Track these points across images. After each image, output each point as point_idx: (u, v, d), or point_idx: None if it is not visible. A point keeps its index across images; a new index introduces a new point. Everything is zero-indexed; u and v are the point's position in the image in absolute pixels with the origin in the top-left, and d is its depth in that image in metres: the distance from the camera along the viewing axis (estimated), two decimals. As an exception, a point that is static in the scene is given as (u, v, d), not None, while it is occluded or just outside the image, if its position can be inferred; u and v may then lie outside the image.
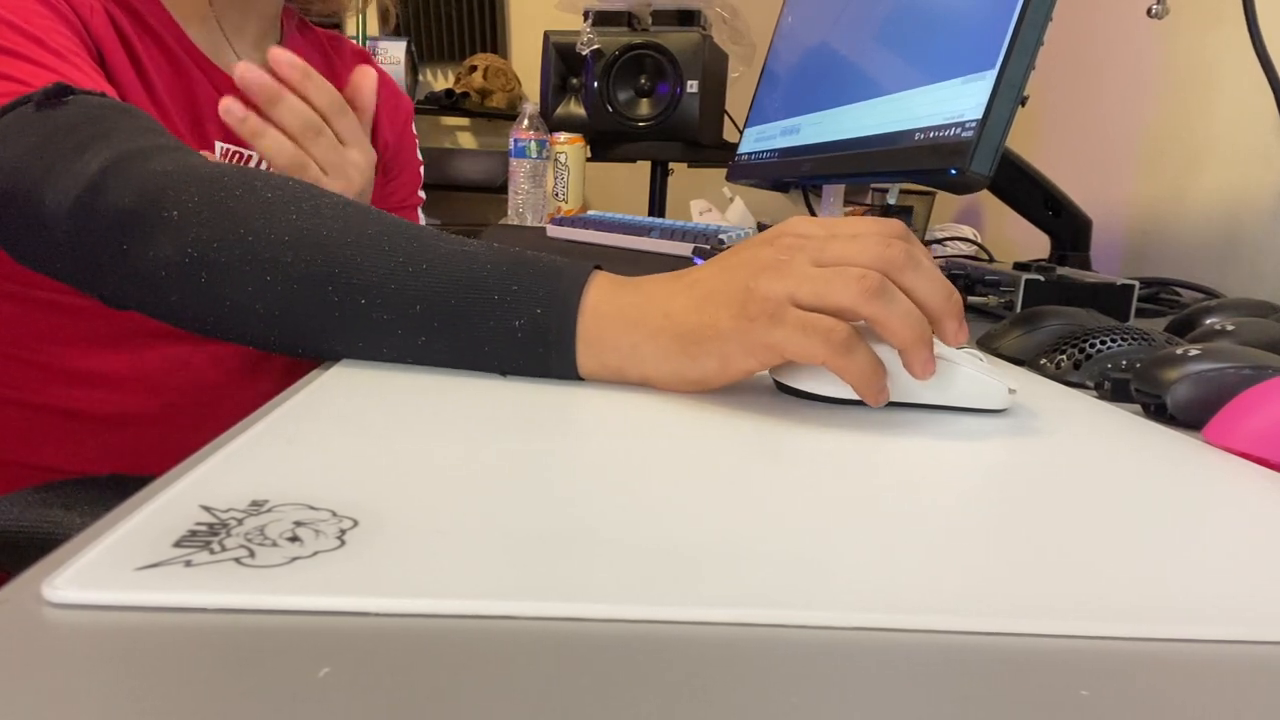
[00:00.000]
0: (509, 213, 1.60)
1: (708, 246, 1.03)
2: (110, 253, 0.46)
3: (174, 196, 0.44)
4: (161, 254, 0.43)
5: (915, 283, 0.39)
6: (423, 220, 1.01)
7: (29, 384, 0.69)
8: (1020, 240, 1.34)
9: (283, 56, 0.63)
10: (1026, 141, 1.41)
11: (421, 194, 1.00)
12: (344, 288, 0.41)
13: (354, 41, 0.94)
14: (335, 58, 0.89)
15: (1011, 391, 0.44)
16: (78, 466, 0.70)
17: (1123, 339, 0.53)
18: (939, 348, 0.43)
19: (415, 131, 0.98)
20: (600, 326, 0.41)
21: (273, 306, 0.42)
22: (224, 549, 0.23)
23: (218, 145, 0.74)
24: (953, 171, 0.64)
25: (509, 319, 0.41)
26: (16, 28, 0.56)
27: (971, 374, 0.43)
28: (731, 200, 1.71)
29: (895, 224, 0.40)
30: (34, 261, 0.51)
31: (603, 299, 0.42)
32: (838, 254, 0.39)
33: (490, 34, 2.76)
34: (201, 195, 0.44)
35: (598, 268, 0.44)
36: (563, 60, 1.63)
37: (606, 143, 1.63)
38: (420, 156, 0.99)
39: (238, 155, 0.76)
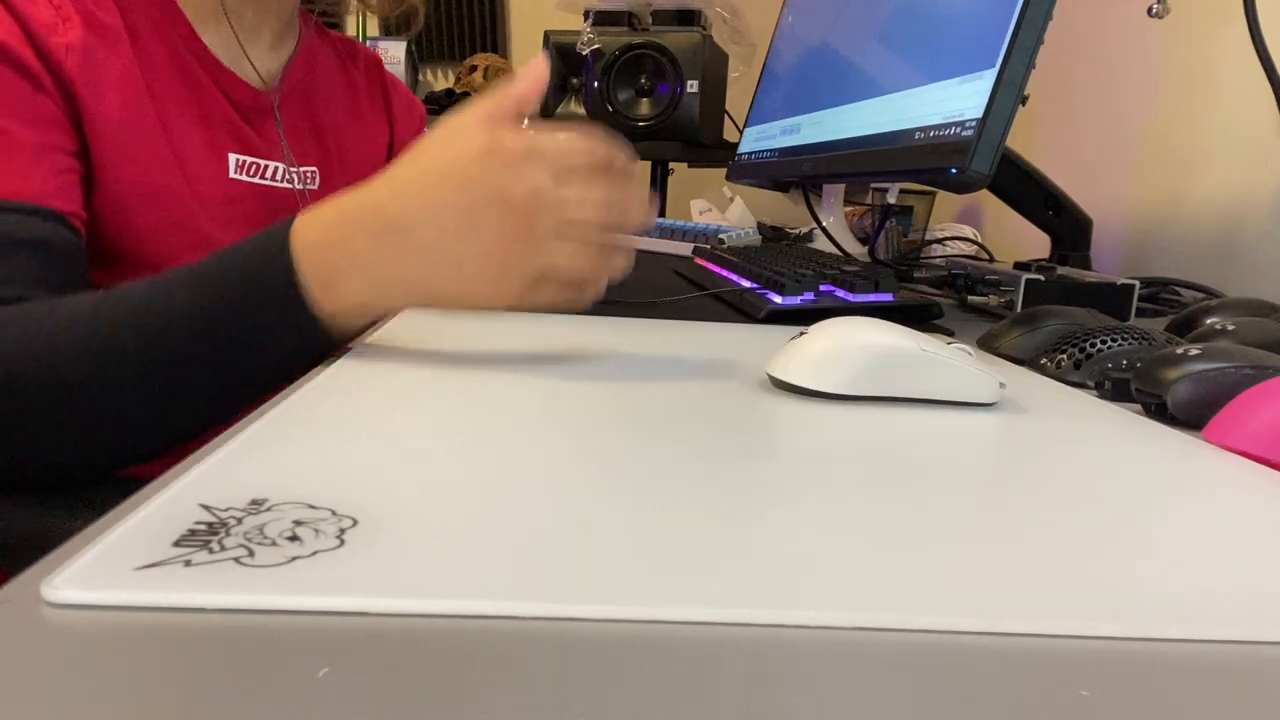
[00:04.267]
0: (509, 212, 1.59)
1: (708, 246, 1.03)
2: None
3: None
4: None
5: (579, 212, 0.44)
6: None
7: None
8: (1020, 240, 1.34)
9: None
10: (1026, 141, 1.41)
11: None
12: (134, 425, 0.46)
13: (366, 45, 0.94)
14: (350, 63, 0.89)
15: (1001, 386, 0.44)
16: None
17: (1123, 339, 0.53)
18: (930, 344, 0.43)
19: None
20: (349, 308, 0.46)
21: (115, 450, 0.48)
22: (223, 549, 0.23)
23: (231, 158, 0.74)
24: (953, 171, 0.64)
25: (260, 339, 0.45)
26: None
27: (961, 368, 0.44)
28: (731, 200, 1.71)
29: (566, 152, 0.44)
30: None
31: (325, 282, 0.45)
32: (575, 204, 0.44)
33: (490, 34, 2.76)
34: None
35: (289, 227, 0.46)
36: (563, 60, 1.63)
37: (606, 142, 1.62)
38: None
39: (254, 166, 0.76)
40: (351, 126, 0.87)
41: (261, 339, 0.45)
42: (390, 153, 0.91)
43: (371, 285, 0.45)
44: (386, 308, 0.47)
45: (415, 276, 0.45)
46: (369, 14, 0.96)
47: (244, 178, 0.74)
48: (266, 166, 0.76)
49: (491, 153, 0.43)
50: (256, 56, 0.77)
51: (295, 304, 0.44)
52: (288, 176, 0.78)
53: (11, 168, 0.57)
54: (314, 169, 0.81)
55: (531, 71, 0.47)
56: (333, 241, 0.45)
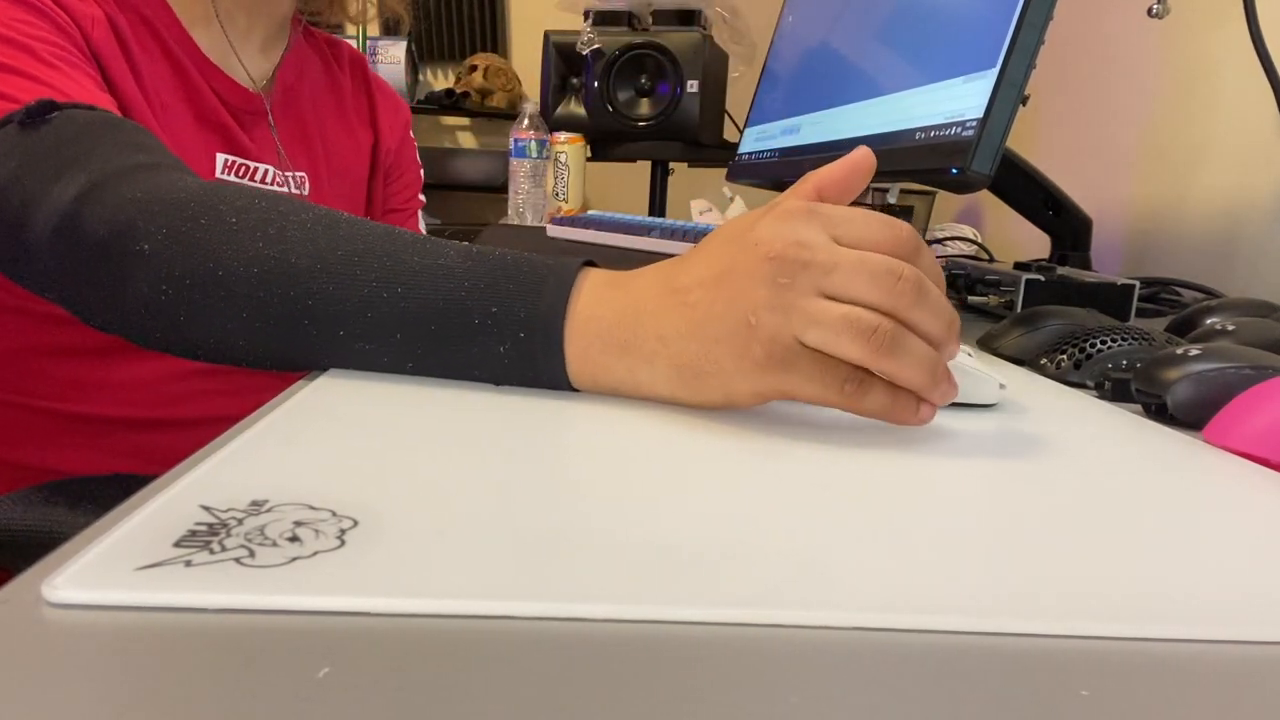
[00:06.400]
0: (509, 213, 1.60)
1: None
2: (92, 285, 0.45)
3: (143, 228, 0.43)
4: (139, 290, 0.43)
5: (922, 318, 0.36)
6: (422, 224, 1.01)
7: (32, 389, 0.69)
8: (1020, 240, 1.34)
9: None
10: (1026, 141, 1.41)
11: (421, 198, 1.00)
12: (321, 320, 0.40)
13: (352, 45, 0.94)
14: (334, 62, 0.89)
15: (1002, 387, 0.44)
16: (83, 469, 0.70)
17: (1123, 339, 0.53)
18: None
19: (413, 137, 0.98)
20: (589, 352, 0.39)
21: (255, 341, 0.42)
22: (224, 549, 0.23)
23: (219, 157, 0.74)
24: (953, 171, 0.64)
25: (493, 345, 0.40)
26: (6, 39, 0.56)
27: (961, 368, 0.44)
28: (731, 200, 1.71)
29: (902, 233, 0.37)
30: (31, 286, 0.51)
31: (588, 317, 0.39)
32: (844, 289, 0.35)
33: (490, 34, 2.76)
34: (169, 227, 0.43)
35: (586, 264, 0.41)
36: (563, 60, 1.63)
37: (607, 142, 1.63)
38: (419, 160, 0.99)
39: (242, 168, 0.75)
40: (337, 129, 0.86)
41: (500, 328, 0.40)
42: (374, 156, 0.91)
43: (622, 343, 0.39)
44: (627, 378, 0.40)
45: (668, 332, 0.38)
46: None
47: (231, 178, 0.74)
48: (256, 169, 0.76)
49: (770, 210, 0.38)
50: (247, 58, 0.77)
51: (553, 329, 0.39)
52: (279, 180, 0.78)
53: (70, 74, 0.57)
54: (303, 174, 0.81)
55: (846, 163, 0.40)
56: (620, 284, 0.40)
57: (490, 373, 0.41)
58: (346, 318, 0.40)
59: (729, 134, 1.70)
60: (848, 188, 0.40)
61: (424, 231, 0.97)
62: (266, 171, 0.77)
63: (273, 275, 0.41)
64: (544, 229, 1.21)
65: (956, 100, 0.67)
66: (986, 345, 0.62)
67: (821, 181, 0.40)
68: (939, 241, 1.41)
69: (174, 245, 0.42)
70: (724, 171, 1.27)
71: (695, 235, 1.11)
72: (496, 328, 0.39)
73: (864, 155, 0.40)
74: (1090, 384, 0.53)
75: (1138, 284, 0.74)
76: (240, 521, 0.25)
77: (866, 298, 0.35)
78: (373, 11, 0.90)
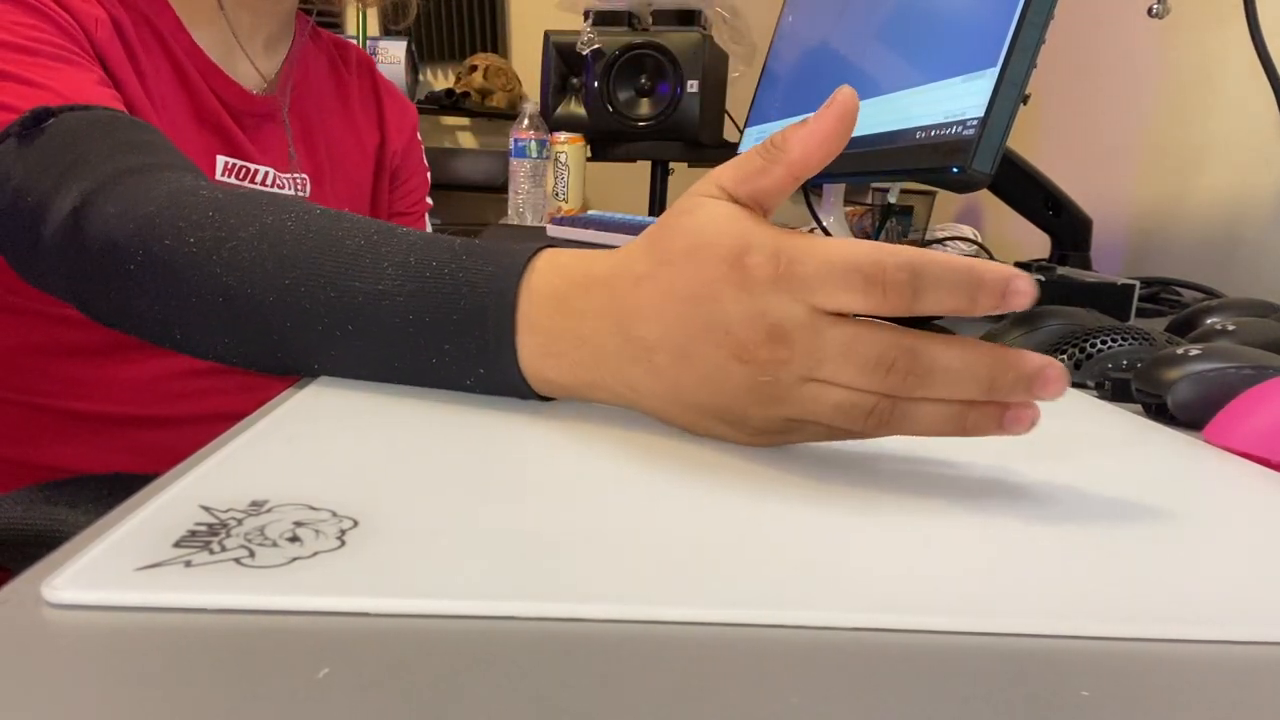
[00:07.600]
0: (509, 212, 1.60)
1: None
2: (103, 297, 0.46)
3: (126, 249, 0.44)
4: (139, 305, 0.44)
5: (933, 391, 0.31)
6: (429, 227, 1.01)
7: (33, 388, 0.69)
8: (1020, 240, 1.34)
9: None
10: (1027, 141, 1.41)
11: (429, 200, 1.00)
12: (292, 351, 0.41)
13: (358, 46, 0.94)
14: (342, 65, 0.88)
15: None
16: (83, 467, 0.70)
17: (1123, 339, 0.53)
18: None
19: (420, 139, 0.98)
20: (564, 388, 0.37)
21: (243, 359, 0.43)
22: (224, 549, 0.23)
23: (219, 160, 0.73)
24: (954, 170, 0.64)
25: (459, 379, 0.39)
26: (4, 43, 0.56)
27: None
28: (732, 200, 1.71)
29: (892, 279, 0.30)
30: (57, 295, 0.52)
31: (543, 350, 0.36)
32: (833, 378, 0.32)
33: (490, 33, 2.77)
34: (144, 249, 0.43)
35: (543, 247, 0.38)
36: (563, 60, 1.63)
37: (606, 142, 1.63)
38: (426, 163, 0.99)
39: (242, 170, 0.75)
40: (342, 131, 0.86)
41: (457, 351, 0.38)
42: (380, 158, 0.91)
43: (591, 384, 0.37)
44: (617, 403, 0.37)
45: (638, 385, 0.35)
46: (367, 10, 0.96)
47: (231, 180, 0.74)
48: (255, 171, 0.76)
49: (734, 267, 0.32)
50: (251, 58, 0.77)
51: (505, 343, 0.37)
52: (278, 182, 0.78)
53: (68, 73, 0.57)
54: (304, 176, 0.81)
55: (825, 122, 0.33)
56: (564, 300, 0.36)
57: (469, 391, 0.40)
58: (313, 352, 0.41)
59: (729, 134, 1.70)
60: (828, 152, 0.33)
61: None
62: (266, 174, 0.77)
63: (236, 306, 0.41)
64: (544, 229, 1.21)
65: (957, 99, 0.67)
66: (986, 345, 0.62)
67: (796, 159, 0.33)
68: (939, 241, 1.41)
69: (151, 268, 0.43)
70: (724, 171, 1.27)
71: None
72: (456, 365, 0.38)
73: (844, 101, 0.33)
74: (1090, 384, 0.53)
75: (1138, 284, 0.74)
76: (240, 522, 0.25)
77: (858, 386, 0.32)
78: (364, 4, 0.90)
